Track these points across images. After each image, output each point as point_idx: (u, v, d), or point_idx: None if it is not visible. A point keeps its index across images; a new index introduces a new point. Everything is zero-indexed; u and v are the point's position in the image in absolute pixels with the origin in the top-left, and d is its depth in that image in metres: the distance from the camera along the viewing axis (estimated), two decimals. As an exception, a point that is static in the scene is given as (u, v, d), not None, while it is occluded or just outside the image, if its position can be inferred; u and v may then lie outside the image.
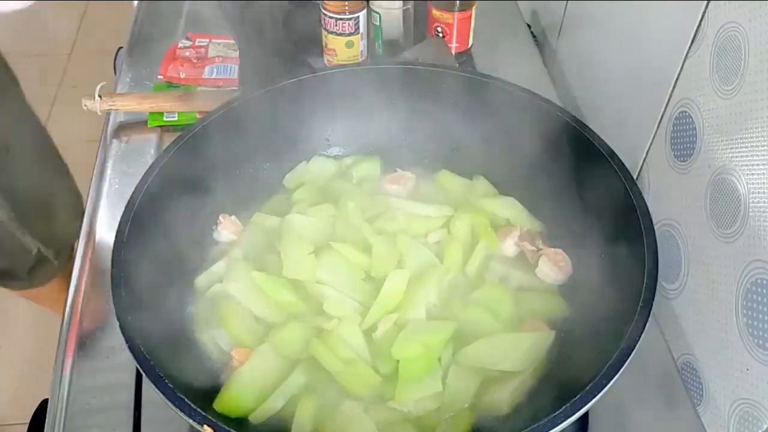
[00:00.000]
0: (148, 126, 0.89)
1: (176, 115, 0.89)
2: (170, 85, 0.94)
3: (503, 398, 0.56)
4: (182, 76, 0.95)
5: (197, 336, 0.62)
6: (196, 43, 1.00)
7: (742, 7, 0.56)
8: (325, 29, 0.92)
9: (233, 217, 0.70)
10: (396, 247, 0.66)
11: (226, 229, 0.69)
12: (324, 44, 0.94)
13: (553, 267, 0.65)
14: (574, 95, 0.95)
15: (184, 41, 1.00)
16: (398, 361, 0.58)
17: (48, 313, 1.28)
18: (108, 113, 0.91)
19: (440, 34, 0.92)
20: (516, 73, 0.77)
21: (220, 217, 0.69)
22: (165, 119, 0.89)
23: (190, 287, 0.65)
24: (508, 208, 0.71)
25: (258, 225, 0.70)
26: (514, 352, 0.58)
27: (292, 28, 0.98)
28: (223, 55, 0.98)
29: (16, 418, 1.39)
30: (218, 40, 1.00)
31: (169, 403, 0.48)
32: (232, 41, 0.99)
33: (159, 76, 0.95)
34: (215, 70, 0.96)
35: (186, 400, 0.48)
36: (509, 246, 0.67)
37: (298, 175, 0.76)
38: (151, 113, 0.89)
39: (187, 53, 0.98)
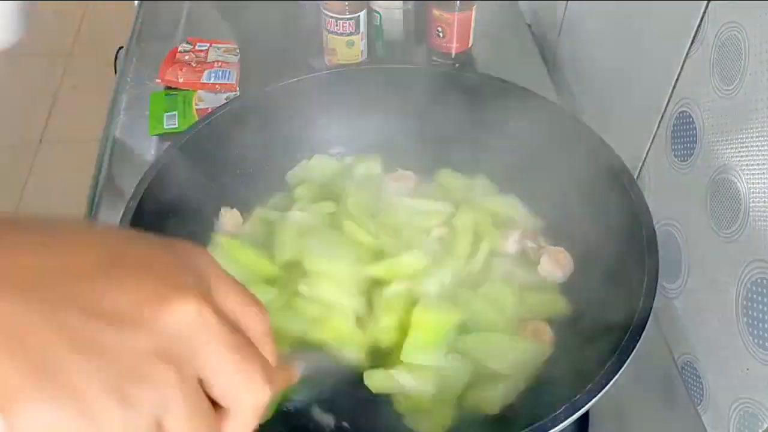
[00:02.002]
0: (149, 135, 0.88)
1: (176, 122, 0.89)
2: (168, 89, 0.94)
3: (492, 398, 0.56)
4: (180, 80, 0.94)
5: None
6: (197, 47, 1.00)
7: (742, 7, 0.56)
8: (325, 29, 0.92)
9: (234, 210, 0.70)
10: (402, 239, 0.66)
11: (227, 222, 0.69)
12: (324, 44, 0.94)
13: (555, 264, 0.65)
14: (574, 95, 0.95)
15: (184, 45, 1.00)
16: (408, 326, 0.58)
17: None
18: (108, 114, 0.91)
19: (440, 34, 0.92)
20: (516, 72, 0.77)
21: (222, 210, 0.69)
22: (165, 127, 0.88)
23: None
24: (510, 207, 0.71)
25: (258, 218, 0.70)
26: (507, 355, 0.59)
27: (292, 28, 0.98)
28: (222, 59, 0.98)
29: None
30: (219, 45, 1.00)
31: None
32: (233, 46, 0.99)
33: (157, 80, 0.95)
34: (213, 75, 0.95)
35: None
36: (511, 244, 0.67)
37: (299, 173, 0.76)
38: (151, 120, 0.89)
39: (187, 57, 0.98)
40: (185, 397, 0.26)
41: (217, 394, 0.28)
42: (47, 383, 0.24)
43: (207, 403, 0.28)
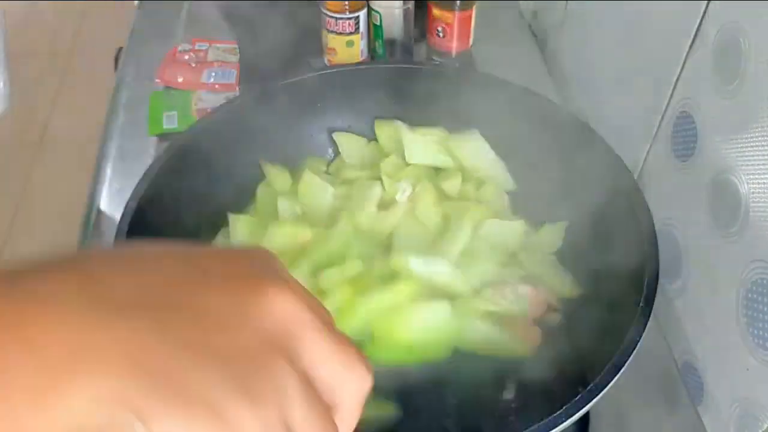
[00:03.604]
0: (149, 135, 0.88)
1: (176, 122, 0.89)
2: (168, 89, 0.94)
3: None
4: (180, 80, 0.94)
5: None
6: (196, 47, 1.00)
7: (742, 7, 0.56)
8: (325, 28, 0.92)
9: None
10: None
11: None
12: (324, 44, 0.94)
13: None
14: (574, 95, 0.95)
15: (183, 45, 1.00)
16: None
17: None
18: (108, 114, 0.91)
19: (440, 34, 0.92)
20: (516, 72, 0.77)
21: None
22: (165, 127, 0.88)
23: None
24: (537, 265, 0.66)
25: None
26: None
27: (292, 28, 0.98)
28: (222, 59, 0.98)
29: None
30: (218, 45, 1.00)
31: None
32: (233, 45, 0.98)
33: (156, 80, 0.95)
34: (213, 74, 0.95)
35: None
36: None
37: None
38: (151, 120, 0.89)
39: (186, 57, 0.98)
40: (302, 388, 0.26)
41: (321, 387, 0.27)
42: (176, 397, 0.23)
43: (319, 396, 0.27)
